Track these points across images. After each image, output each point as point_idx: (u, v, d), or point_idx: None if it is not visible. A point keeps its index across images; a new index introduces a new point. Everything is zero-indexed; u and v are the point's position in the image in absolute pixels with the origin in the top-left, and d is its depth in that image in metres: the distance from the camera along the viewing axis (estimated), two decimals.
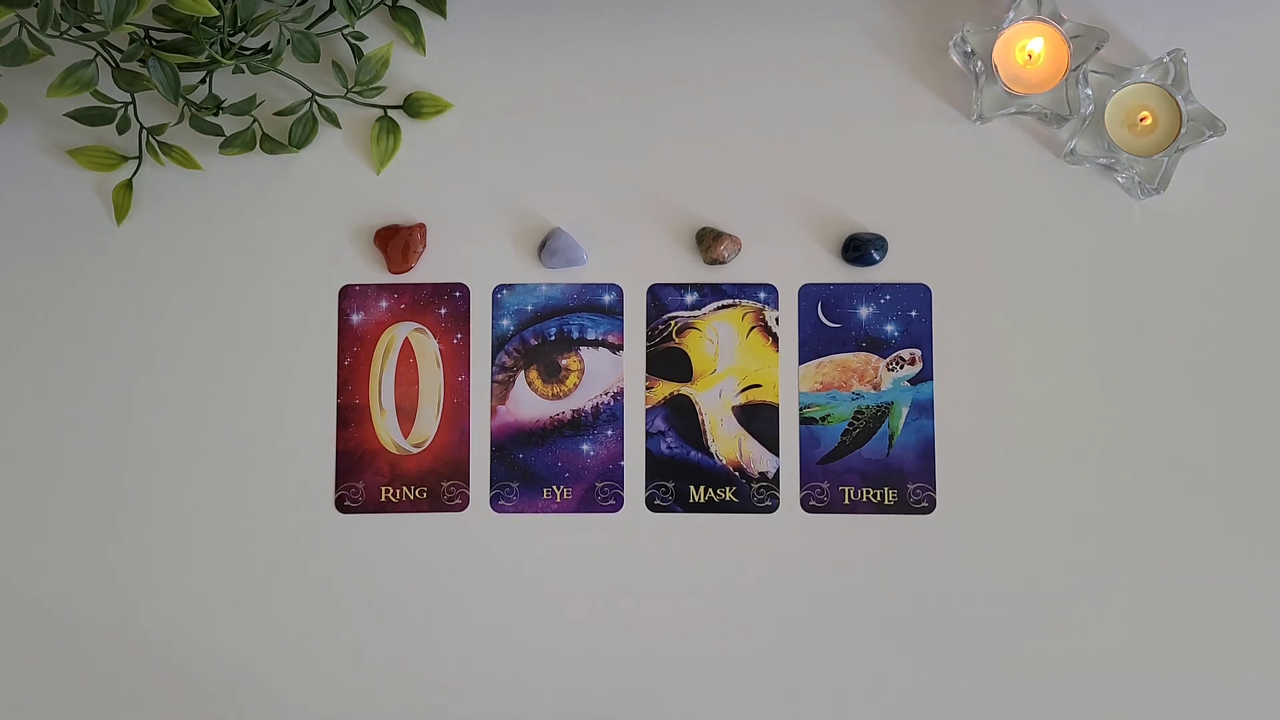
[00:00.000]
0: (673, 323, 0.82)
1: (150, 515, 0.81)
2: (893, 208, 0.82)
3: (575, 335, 0.82)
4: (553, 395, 0.82)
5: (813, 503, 0.80)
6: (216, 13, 0.69)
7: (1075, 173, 0.82)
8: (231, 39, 0.75)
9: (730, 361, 0.82)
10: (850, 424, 0.81)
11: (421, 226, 0.82)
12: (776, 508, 0.81)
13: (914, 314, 0.82)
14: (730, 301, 0.82)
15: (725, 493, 0.81)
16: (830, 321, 0.82)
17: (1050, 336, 0.81)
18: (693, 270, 0.82)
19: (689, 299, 0.82)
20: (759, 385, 0.81)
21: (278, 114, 0.82)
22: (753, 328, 0.82)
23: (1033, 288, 0.81)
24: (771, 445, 0.81)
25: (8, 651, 0.80)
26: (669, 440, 0.81)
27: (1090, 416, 0.80)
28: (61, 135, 0.83)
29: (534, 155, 0.83)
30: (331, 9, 0.80)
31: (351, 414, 0.81)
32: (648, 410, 0.81)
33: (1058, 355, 0.81)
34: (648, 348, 0.82)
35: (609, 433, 0.81)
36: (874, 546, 0.80)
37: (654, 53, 0.83)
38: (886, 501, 0.80)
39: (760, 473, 0.81)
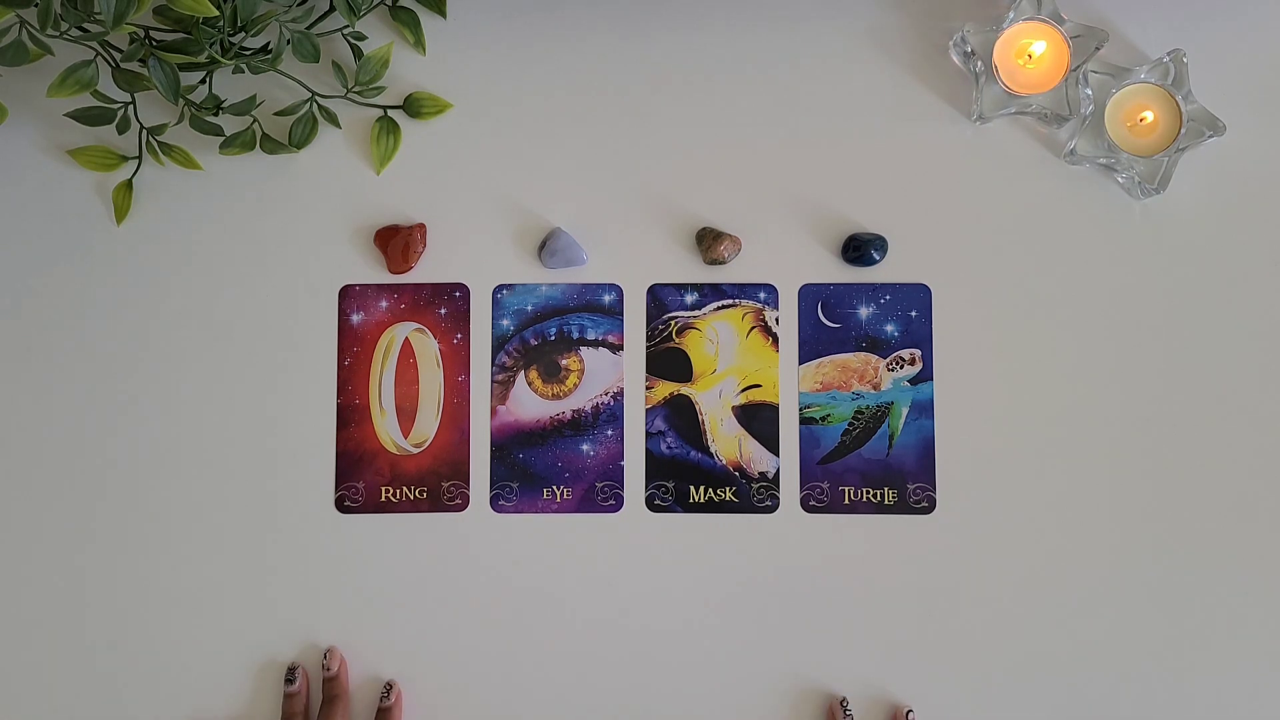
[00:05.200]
0: (673, 323, 0.82)
1: (150, 515, 0.81)
2: (893, 208, 0.82)
3: (575, 335, 0.82)
4: (553, 395, 0.82)
5: (813, 503, 0.80)
6: (216, 13, 0.69)
7: (1075, 173, 0.82)
8: (231, 39, 0.75)
9: (730, 361, 0.82)
10: (850, 424, 0.81)
11: (421, 226, 0.82)
12: (776, 508, 0.81)
13: (914, 314, 0.82)
14: (730, 301, 0.82)
15: (725, 493, 0.81)
16: (830, 321, 0.82)
17: (1050, 336, 0.81)
18: (693, 270, 0.82)
19: (689, 299, 0.82)
20: (759, 385, 0.81)
21: (278, 114, 0.82)
22: (753, 328, 0.82)
23: (1033, 288, 0.81)
24: (771, 445, 0.81)
25: (8, 651, 0.80)
26: (669, 440, 0.81)
27: (1090, 416, 0.80)
28: (61, 135, 0.83)
29: (534, 155, 0.83)
30: (331, 9, 0.80)
31: (351, 414, 0.81)
32: (648, 410, 0.81)
33: (1058, 355, 0.81)
34: (648, 348, 0.82)
35: (609, 433, 0.81)
36: (874, 546, 0.80)
37: (654, 53, 0.83)
38: (886, 501, 0.80)
39: (760, 473, 0.81)
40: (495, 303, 0.82)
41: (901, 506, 0.80)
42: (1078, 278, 0.81)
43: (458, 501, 0.81)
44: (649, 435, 0.81)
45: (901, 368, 0.81)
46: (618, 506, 0.81)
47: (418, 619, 0.80)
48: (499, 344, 0.82)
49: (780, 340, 0.82)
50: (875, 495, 0.80)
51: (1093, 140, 0.81)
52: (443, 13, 0.84)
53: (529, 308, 0.82)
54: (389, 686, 0.78)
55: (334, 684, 0.78)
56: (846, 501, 0.80)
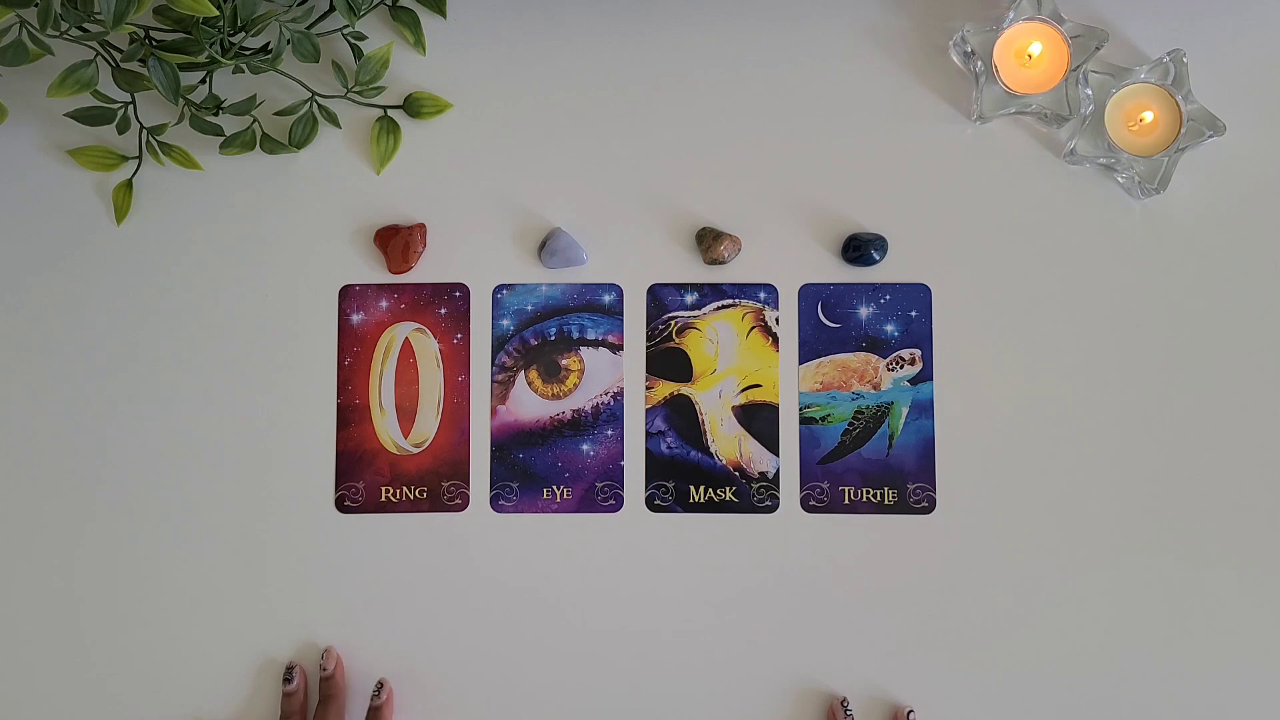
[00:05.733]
0: (673, 323, 0.82)
1: (149, 515, 0.81)
2: (893, 208, 0.82)
3: (575, 335, 0.82)
4: (553, 395, 0.82)
5: (813, 503, 0.80)
6: (216, 13, 0.69)
7: (1075, 173, 0.82)
8: (231, 39, 0.75)
9: (730, 361, 0.82)
10: (850, 424, 0.81)
11: (421, 226, 0.82)
12: (776, 508, 0.81)
13: (914, 314, 0.82)
14: (730, 301, 0.82)
15: (725, 493, 0.81)
16: (830, 321, 0.82)
17: (1050, 336, 0.81)
18: (693, 270, 0.82)
19: (689, 299, 0.82)
20: (759, 385, 0.81)
21: (278, 114, 0.82)
22: (753, 328, 0.82)
23: (1032, 288, 0.81)
24: (771, 445, 0.81)
25: (6, 651, 0.80)
26: (669, 440, 0.81)
27: (1090, 416, 0.80)
28: (61, 135, 0.83)
29: (534, 155, 0.83)
30: (331, 9, 0.80)
31: (351, 414, 0.81)
32: (648, 410, 0.81)
33: (1057, 355, 0.81)
34: (648, 348, 0.82)
35: (609, 433, 0.81)
36: (874, 546, 0.80)
37: (654, 53, 0.83)
38: (886, 501, 0.80)
39: (760, 473, 0.81)
40: (495, 303, 0.82)
41: (901, 506, 0.80)
42: (1078, 278, 0.81)
43: (458, 501, 0.81)
44: (649, 435, 0.81)
45: (901, 368, 0.81)
46: (618, 506, 0.81)
47: (417, 619, 0.80)
48: (499, 344, 0.82)
49: (780, 340, 0.82)
50: (875, 495, 0.80)
51: (1093, 140, 0.81)
52: (443, 13, 0.84)
53: (529, 308, 0.82)
54: (380, 685, 0.78)
55: (330, 684, 0.78)
56: (846, 501, 0.80)
